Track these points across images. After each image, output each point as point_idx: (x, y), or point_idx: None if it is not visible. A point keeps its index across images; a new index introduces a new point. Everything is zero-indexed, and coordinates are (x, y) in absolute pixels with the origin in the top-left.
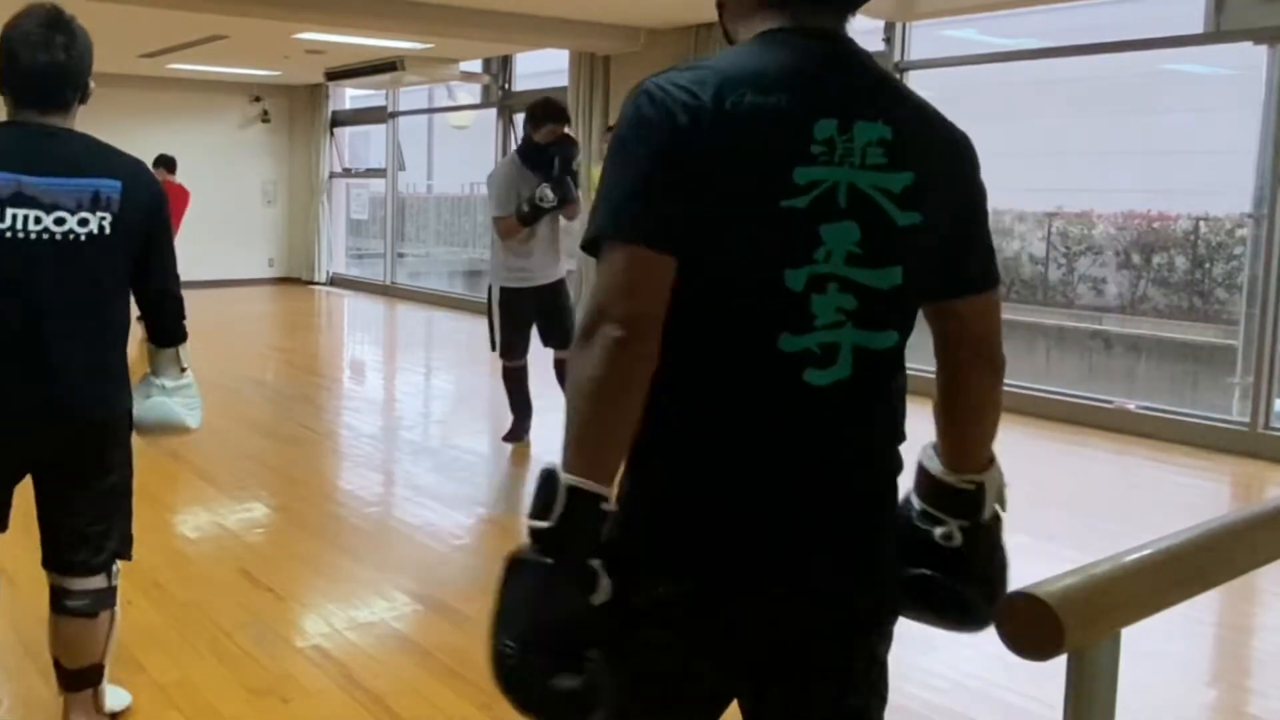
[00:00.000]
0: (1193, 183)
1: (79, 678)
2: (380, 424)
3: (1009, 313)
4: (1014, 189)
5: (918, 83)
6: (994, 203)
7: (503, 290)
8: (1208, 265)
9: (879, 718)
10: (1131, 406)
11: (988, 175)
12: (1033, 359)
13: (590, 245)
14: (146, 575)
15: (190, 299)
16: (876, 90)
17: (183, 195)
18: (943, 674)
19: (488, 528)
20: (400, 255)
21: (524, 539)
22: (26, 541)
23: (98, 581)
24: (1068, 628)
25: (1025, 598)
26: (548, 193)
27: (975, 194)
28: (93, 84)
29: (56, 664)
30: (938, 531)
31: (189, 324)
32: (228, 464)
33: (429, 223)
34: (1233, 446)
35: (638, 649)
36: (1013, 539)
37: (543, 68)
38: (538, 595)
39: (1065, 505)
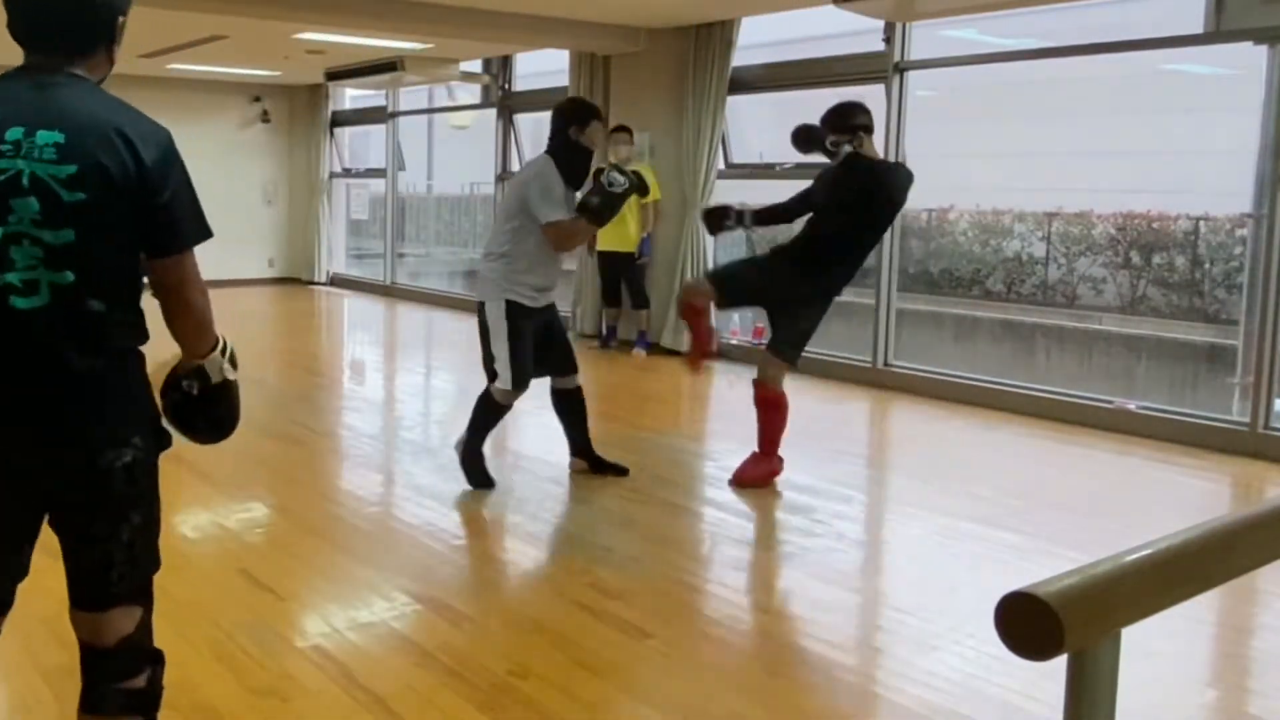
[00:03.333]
0: (1193, 183)
1: None
2: (380, 424)
3: (1010, 313)
4: (1014, 189)
5: (918, 83)
6: (994, 203)
7: (519, 307)
8: (1208, 265)
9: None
10: (1131, 406)
11: (988, 175)
12: (1032, 359)
13: None
14: None
15: None
16: (63, 111)
17: None
18: (943, 674)
19: (488, 528)
20: (400, 255)
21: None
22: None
23: None
24: (1068, 628)
25: (1025, 598)
26: (616, 176)
27: (151, 190)
28: None
29: None
30: (184, 383)
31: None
32: (228, 464)
33: (429, 223)
34: (1233, 446)
35: None
36: (1013, 539)
37: (543, 68)
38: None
39: (1065, 505)
